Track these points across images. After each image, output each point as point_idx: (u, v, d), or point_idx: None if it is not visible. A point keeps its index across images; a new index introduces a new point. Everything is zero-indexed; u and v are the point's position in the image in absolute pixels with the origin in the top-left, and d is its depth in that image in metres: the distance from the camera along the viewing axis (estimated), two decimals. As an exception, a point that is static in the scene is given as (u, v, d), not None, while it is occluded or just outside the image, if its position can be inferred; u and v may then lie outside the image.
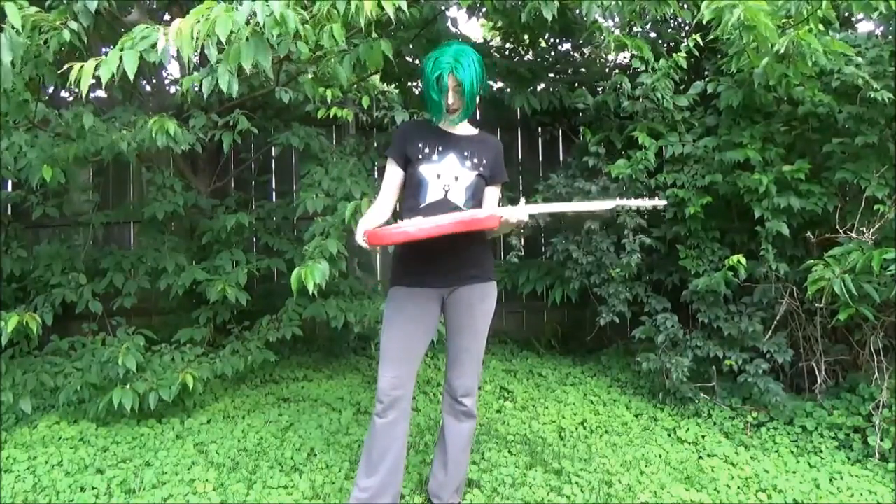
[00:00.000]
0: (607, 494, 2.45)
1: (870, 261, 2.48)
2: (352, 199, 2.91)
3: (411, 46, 4.02)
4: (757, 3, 2.43)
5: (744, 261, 2.99)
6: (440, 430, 2.26)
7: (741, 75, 3.10)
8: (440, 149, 2.06)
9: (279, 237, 3.81)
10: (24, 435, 2.83)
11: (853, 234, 2.83)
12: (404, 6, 1.97)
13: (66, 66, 1.84)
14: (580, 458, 2.74)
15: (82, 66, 1.81)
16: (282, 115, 3.91)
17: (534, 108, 4.03)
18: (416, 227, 1.86)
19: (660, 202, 2.13)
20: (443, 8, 3.86)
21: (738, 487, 2.56)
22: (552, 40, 4.58)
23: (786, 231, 3.01)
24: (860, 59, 2.88)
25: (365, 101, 2.92)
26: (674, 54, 3.24)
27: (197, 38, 1.70)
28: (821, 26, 2.67)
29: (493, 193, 2.17)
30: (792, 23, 2.68)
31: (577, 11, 3.45)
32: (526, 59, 4.56)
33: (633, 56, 3.32)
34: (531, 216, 2.07)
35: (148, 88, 3.95)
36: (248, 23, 1.73)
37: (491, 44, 4.75)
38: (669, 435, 3.05)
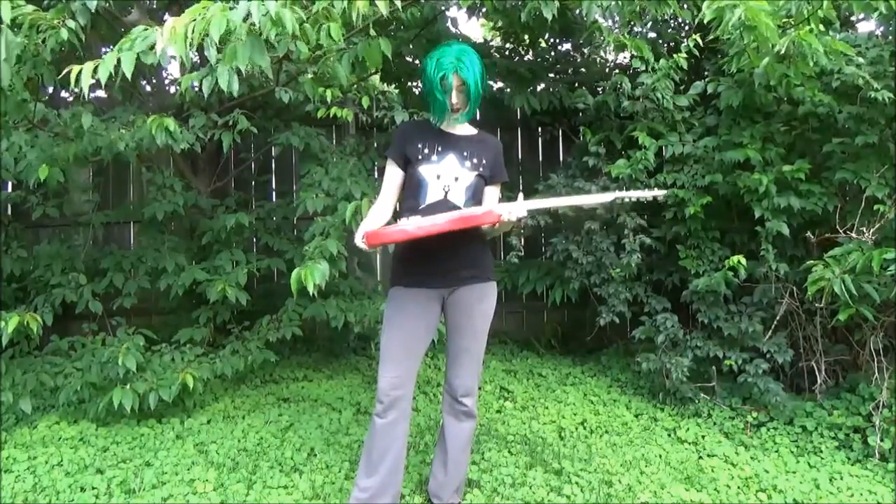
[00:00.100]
0: (607, 494, 2.45)
1: (870, 261, 2.48)
2: (352, 200, 2.91)
3: (411, 46, 4.02)
4: (758, 4, 2.42)
5: (744, 261, 2.99)
6: (440, 430, 2.26)
7: (741, 75, 3.10)
8: (440, 149, 2.06)
9: (279, 237, 3.81)
10: (24, 435, 2.83)
11: (853, 234, 2.83)
12: (399, 4, 1.96)
13: (66, 70, 1.83)
14: (580, 458, 2.74)
15: (81, 69, 1.80)
16: (282, 115, 3.91)
17: (534, 108, 4.03)
18: (415, 225, 1.87)
19: (659, 192, 2.15)
20: (443, 8, 3.86)
21: (738, 487, 2.56)
22: (552, 40, 4.57)
23: (786, 231, 3.01)
24: (860, 59, 2.88)
25: (365, 101, 2.92)
26: (674, 54, 3.24)
27: (191, 38, 1.67)
28: (821, 26, 2.67)
29: (492, 193, 2.17)
30: (792, 23, 2.67)
31: (577, 11, 3.45)
32: (526, 59, 4.55)
33: (633, 56, 3.32)
34: (531, 214, 2.07)
35: (148, 88, 3.96)
36: (244, 22, 1.71)
37: (491, 44, 4.75)
38: (669, 435, 3.05)
